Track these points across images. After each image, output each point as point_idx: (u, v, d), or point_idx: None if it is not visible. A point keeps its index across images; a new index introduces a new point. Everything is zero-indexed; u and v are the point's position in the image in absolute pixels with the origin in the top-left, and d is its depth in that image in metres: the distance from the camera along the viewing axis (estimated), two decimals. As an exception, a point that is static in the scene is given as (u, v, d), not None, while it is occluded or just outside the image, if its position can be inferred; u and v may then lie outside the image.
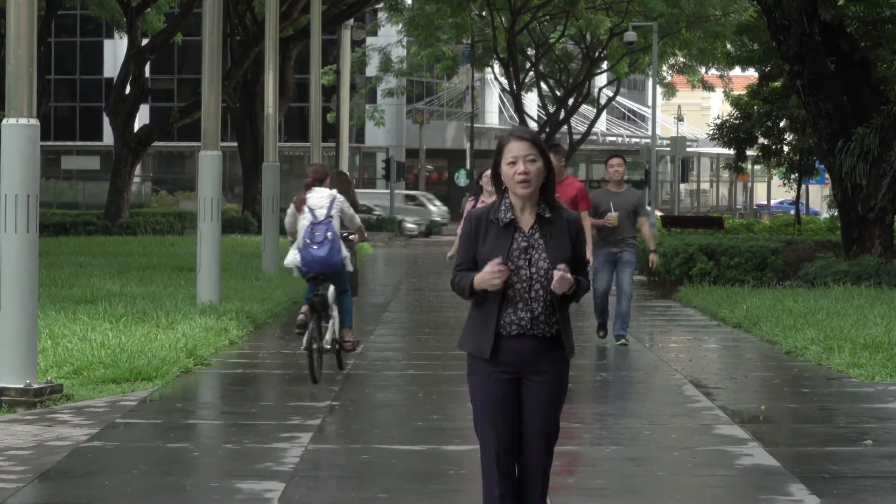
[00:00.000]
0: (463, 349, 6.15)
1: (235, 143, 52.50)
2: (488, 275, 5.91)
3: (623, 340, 15.76)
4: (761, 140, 38.33)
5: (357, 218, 13.93)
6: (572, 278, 5.94)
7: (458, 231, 15.87)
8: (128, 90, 46.47)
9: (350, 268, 13.58)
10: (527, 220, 6.07)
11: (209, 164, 19.52)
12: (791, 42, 24.07)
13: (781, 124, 37.47)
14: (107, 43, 77.69)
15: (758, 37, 34.80)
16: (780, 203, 75.33)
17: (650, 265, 17.28)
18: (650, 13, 52.10)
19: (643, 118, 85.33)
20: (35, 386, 11.31)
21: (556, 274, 5.90)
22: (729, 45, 50.49)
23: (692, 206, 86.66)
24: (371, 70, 67.57)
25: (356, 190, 17.89)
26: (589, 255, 14.46)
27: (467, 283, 6.01)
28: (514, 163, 6.01)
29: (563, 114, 58.85)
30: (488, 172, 14.47)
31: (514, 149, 6.02)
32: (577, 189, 14.97)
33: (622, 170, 15.87)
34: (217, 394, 13.03)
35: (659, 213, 48.26)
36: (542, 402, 6.06)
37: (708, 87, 64.44)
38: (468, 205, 14.45)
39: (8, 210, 11.43)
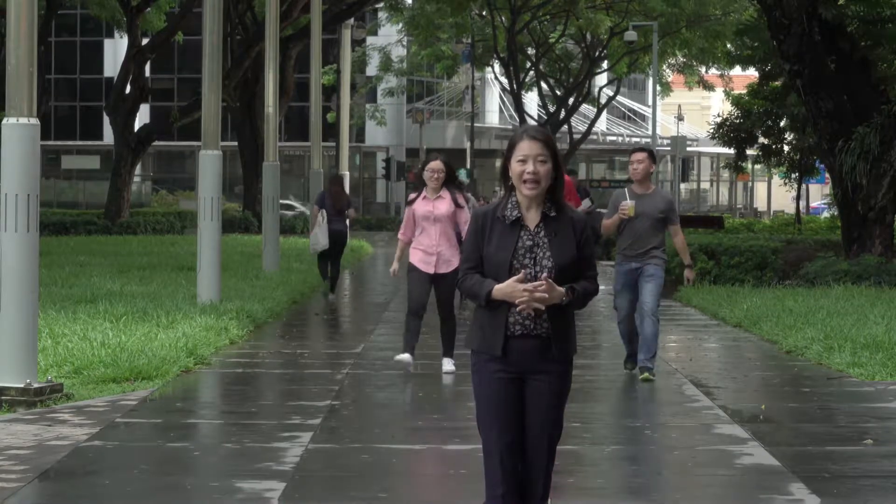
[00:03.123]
0: (471, 347, 6.14)
1: (235, 143, 52.52)
2: (517, 292, 5.90)
3: (647, 374, 12.93)
4: (761, 139, 38.33)
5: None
6: (555, 294, 5.93)
7: (400, 235, 13.65)
8: (128, 90, 46.48)
9: None
10: (532, 219, 6.06)
11: (209, 163, 19.52)
12: (791, 41, 24.07)
13: (782, 124, 37.47)
14: (107, 42, 77.73)
15: (758, 36, 34.79)
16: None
17: (686, 282, 13.66)
18: (650, 13, 52.14)
19: (643, 117, 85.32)
20: (35, 385, 11.31)
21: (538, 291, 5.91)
22: (729, 45, 50.50)
23: (692, 206, 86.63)
24: (371, 69, 67.60)
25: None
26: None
27: (483, 291, 5.98)
28: (524, 161, 6.01)
29: (563, 113, 58.87)
30: (432, 164, 13.27)
31: (526, 148, 6.01)
32: (565, 183, 13.91)
33: (643, 166, 12.89)
34: (217, 393, 13.03)
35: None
36: (546, 402, 6.06)
37: (708, 87, 64.47)
38: (410, 198, 13.59)
39: (8, 209, 11.43)
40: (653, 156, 13.13)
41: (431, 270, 13.27)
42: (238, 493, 8.30)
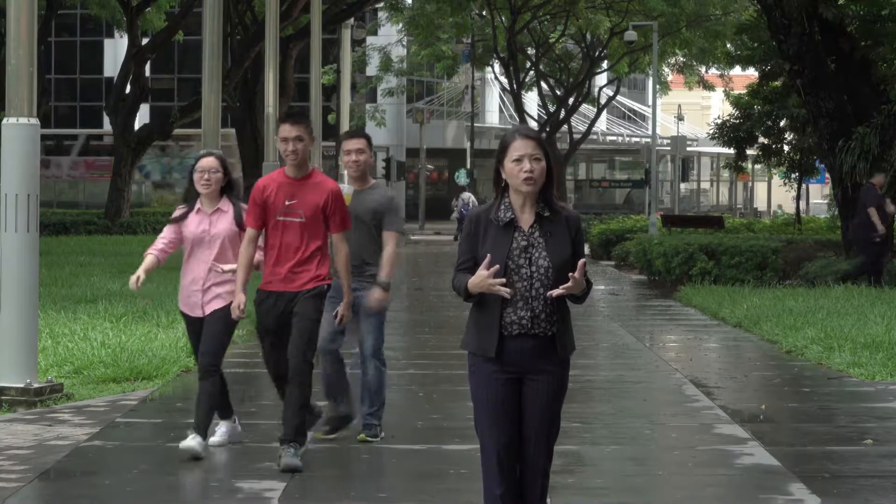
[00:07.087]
0: (466, 349, 6.15)
1: (236, 143, 52.49)
2: (483, 281, 5.91)
3: (363, 435, 9.85)
4: (761, 139, 38.31)
5: None
6: (582, 279, 5.95)
7: (149, 249, 9.72)
8: (128, 89, 46.49)
9: None
10: (526, 220, 6.07)
11: (209, 163, 19.50)
12: (791, 41, 24.07)
13: (782, 124, 37.44)
14: (107, 42, 77.68)
15: (758, 36, 34.80)
16: None
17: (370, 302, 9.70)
18: (650, 12, 52.11)
19: (643, 117, 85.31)
20: (35, 385, 11.32)
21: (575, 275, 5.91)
22: (729, 45, 50.49)
23: (692, 206, 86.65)
24: (371, 69, 67.56)
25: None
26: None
27: (461, 286, 6.02)
28: (519, 160, 6.02)
29: (563, 113, 58.87)
30: (203, 162, 9.42)
31: (520, 147, 6.03)
32: (328, 193, 9.05)
33: (364, 156, 9.72)
34: (217, 393, 13.00)
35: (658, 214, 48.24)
36: (543, 402, 6.06)
37: (708, 87, 64.45)
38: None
39: (8, 209, 11.43)
40: (371, 143, 9.86)
41: (199, 313, 9.53)
42: (238, 493, 8.30)
